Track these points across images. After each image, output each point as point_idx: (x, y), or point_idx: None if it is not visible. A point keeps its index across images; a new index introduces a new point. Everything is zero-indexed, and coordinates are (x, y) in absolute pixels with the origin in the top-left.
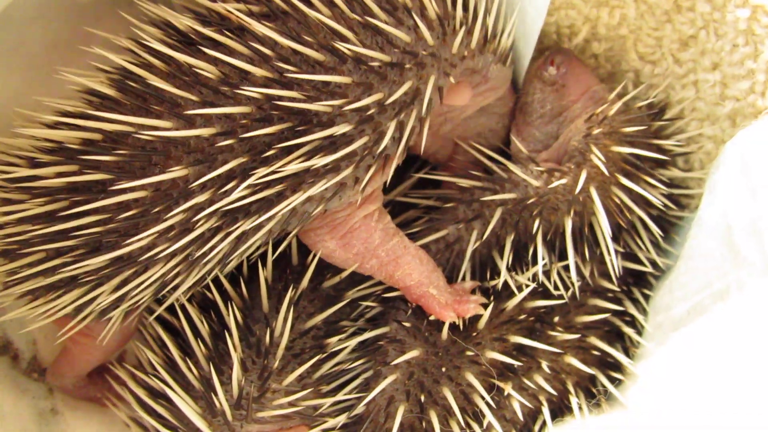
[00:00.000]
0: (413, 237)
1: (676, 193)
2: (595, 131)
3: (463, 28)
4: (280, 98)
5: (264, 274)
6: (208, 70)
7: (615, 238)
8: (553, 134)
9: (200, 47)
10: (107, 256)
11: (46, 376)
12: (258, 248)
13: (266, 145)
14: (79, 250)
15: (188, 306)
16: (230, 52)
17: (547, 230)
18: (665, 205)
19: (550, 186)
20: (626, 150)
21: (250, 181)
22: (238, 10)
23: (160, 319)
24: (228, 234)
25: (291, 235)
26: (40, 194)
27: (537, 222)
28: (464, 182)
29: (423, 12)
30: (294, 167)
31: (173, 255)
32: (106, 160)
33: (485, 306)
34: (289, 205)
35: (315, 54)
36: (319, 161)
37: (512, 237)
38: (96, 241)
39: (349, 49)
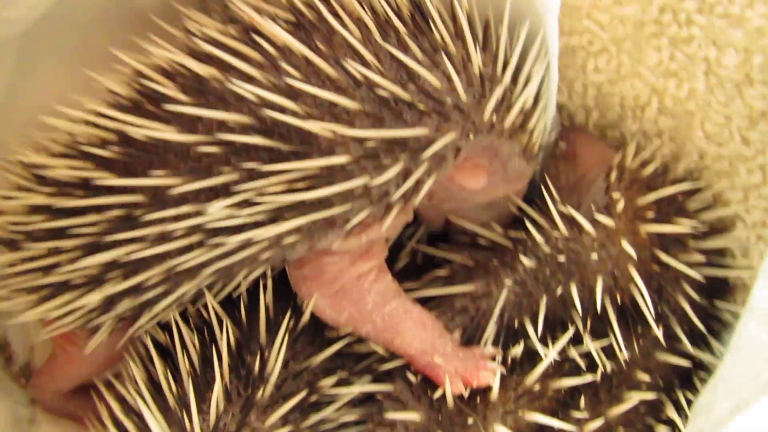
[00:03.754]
0: (436, 285)
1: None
2: (615, 184)
3: (505, 102)
4: (282, 110)
5: (264, 300)
6: (211, 75)
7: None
8: (574, 204)
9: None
10: (103, 256)
11: (27, 387)
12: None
13: (261, 162)
14: (77, 251)
15: (182, 326)
16: (245, 58)
17: (582, 296)
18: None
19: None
20: (651, 197)
21: (234, 199)
22: (263, 13)
23: (154, 339)
24: (209, 248)
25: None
26: (50, 184)
27: (567, 280)
28: (495, 236)
29: (465, 64)
30: (285, 198)
31: (154, 262)
32: (109, 157)
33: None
34: (273, 231)
35: (326, 67)
36: (311, 194)
37: (544, 300)
38: (94, 242)
39: (363, 74)
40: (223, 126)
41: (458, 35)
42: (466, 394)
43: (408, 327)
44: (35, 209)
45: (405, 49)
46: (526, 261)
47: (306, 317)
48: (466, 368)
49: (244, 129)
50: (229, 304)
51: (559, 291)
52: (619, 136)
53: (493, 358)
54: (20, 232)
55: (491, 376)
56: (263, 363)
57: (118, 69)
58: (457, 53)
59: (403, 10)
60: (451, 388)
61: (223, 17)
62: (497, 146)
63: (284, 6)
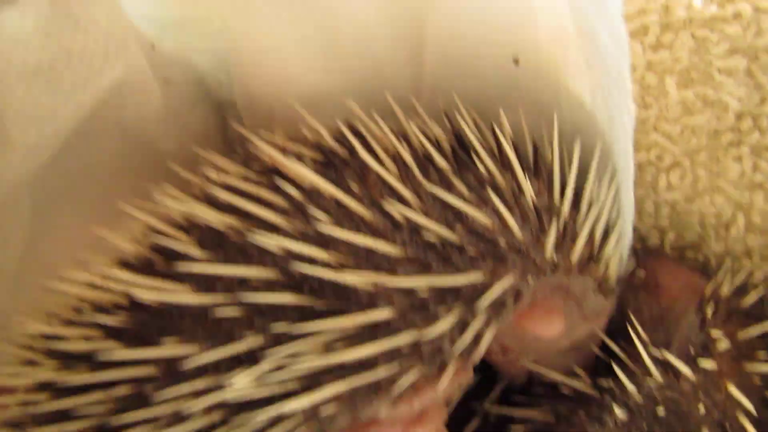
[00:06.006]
0: None
1: None
2: (711, 318)
3: (568, 234)
4: (311, 261)
5: None
6: (230, 226)
7: None
8: (662, 342)
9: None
10: None
11: None
12: None
13: (291, 322)
14: None
15: None
16: (268, 204)
17: None
18: None
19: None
20: (756, 330)
21: (261, 367)
22: (287, 152)
23: None
24: (233, 428)
25: None
26: (56, 357)
27: None
28: (580, 385)
29: (517, 197)
30: (320, 361)
31: None
32: (117, 325)
33: None
34: (308, 401)
35: (361, 209)
36: (351, 353)
37: None
38: (101, 425)
39: (403, 215)
40: (244, 283)
41: (505, 165)
42: None
43: None
44: (40, 386)
45: (448, 186)
46: (618, 412)
47: None
48: None
49: (269, 285)
50: None
51: None
52: (701, 258)
53: None
54: (25, 414)
55: None
56: None
57: (130, 224)
58: (506, 185)
59: (443, 143)
60: None
61: (244, 157)
62: (567, 285)
63: (311, 143)
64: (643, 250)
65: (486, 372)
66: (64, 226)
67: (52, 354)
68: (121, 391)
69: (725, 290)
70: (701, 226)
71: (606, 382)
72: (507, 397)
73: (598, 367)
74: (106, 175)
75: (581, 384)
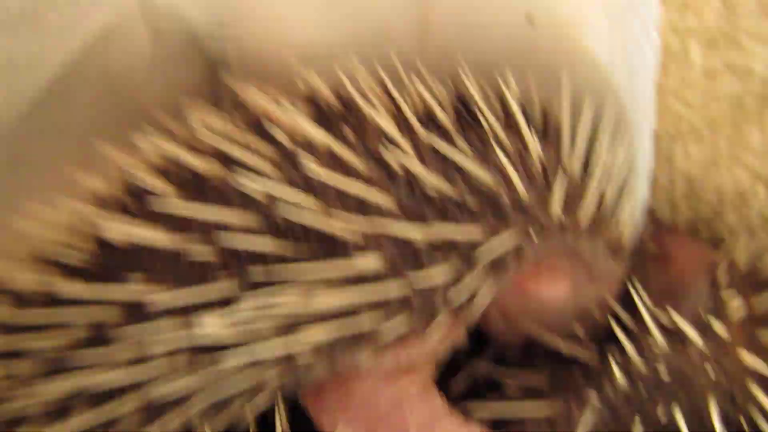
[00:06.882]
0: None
1: None
2: (725, 285)
3: (576, 193)
4: (295, 206)
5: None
6: (211, 170)
7: None
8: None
9: None
10: (65, 382)
11: None
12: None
13: (270, 265)
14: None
15: None
16: (254, 151)
17: (690, 422)
18: None
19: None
20: None
21: (233, 309)
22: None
23: None
24: (198, 372)
25: None
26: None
27: (667, 402)
28: (580, 350)
29: (523, 157)
30: (297, 306)
31: (129, 388)
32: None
33: None
34: (283, 348)
35: (354, 159)
36: (332, 300)
37: (639, 427)
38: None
39: (402, 166)
40: (223, 227)
41: (511, 126)
42: None
43: None
44: None
45: (450, 143)
46: (618, 377)
47: None
48: None
49: (250, 230)
50: None
51: (659, 415)
52: (715, 232)
53: None
54: None
55: None
56: None
57: (106, 168)
58: (511, 145)
59: (446, 104)
60: None
61: (232, 108)
62: (575, 246)
63: (306, 97)
64: (654, 224)
65: (480, 336)
66: (42, 176)
67: (3, 292)
68: (79, 333)
69: (739, 257)
70: (718, 200)
71: (609, 349)
72: (499, 357)
73: (602, 335)
74: (87, 125)
75: (582, 350)
